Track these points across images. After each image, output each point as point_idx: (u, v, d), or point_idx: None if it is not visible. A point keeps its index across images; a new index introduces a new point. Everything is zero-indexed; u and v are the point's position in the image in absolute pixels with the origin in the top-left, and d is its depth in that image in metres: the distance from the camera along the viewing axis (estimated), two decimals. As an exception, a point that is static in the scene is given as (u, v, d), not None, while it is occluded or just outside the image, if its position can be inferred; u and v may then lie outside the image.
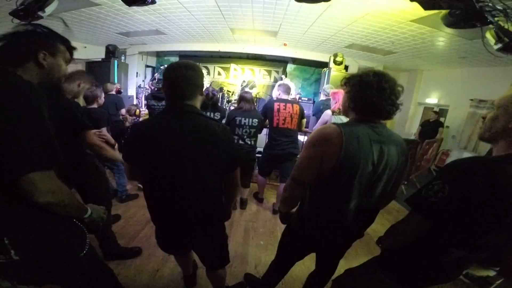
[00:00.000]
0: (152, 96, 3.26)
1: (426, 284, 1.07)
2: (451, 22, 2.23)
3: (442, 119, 6.38)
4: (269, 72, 8.79)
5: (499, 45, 2.29)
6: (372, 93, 1.05)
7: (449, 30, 3.71)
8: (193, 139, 1.13)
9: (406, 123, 7.98)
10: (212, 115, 2.90)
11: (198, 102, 1.22)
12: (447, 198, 0.83)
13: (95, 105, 2.59)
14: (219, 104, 4.18)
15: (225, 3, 3.91)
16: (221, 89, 6.59)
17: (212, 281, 1.67)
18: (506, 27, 2.19)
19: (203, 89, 1.25)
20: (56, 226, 1.00)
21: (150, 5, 2.89)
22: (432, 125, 5.89)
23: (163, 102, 3.06)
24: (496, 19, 2.13)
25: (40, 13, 2.70)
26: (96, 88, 2.59)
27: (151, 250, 2.25)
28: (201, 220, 1.28)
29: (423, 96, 7.49)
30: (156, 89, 3.42)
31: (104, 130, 2.75)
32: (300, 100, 6.68)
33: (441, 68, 6.69)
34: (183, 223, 1.29)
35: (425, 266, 0.99)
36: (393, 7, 3.29)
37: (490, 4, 2.08)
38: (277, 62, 8.50)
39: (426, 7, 2.15)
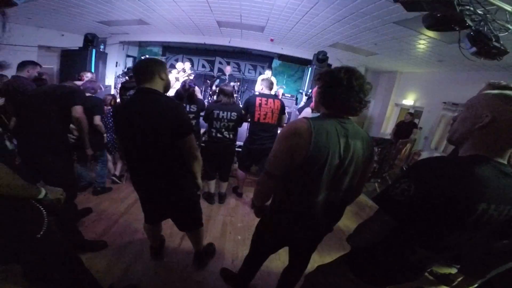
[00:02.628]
0: (121, 87, 3.22)
1: (393, 283, 1.09)
2: (431, 24, 2.29)
3: (416, 121, 6.65)
4: (255, 67, 8.77)
5: (474, 49, 2.37)
6: (341, 90, 1.07)
7: (431, 34, 3.85)
8: (147, 113, 1.39)
9: (383, 123, 8.26)
10: (188, 107, 2.87)
11: (157, 85, 1.49)
12: (413, 197, 0.83)
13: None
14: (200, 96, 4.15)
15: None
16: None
17: (191, 241, 2.00)
18: (484, 31, 2.27)
19: (164, 76, 1.51)
20: (13, 208, 1.03)
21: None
22: (406, 125, 6.13)
23: (131, 92, 3.02)
24: (474, 23, 2.20)
25: (15, 0, 2.54)
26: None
27: (124, 244, 2.19)
28: (167, 186, 1.58)
29: (400, 97, 7.77)
30: (125, 79, 3.39)
31: (97, 119, 2.75)
32: (283, 97, 6.71)
33: (419, 70, 6.94)
34: (153, 188, 1.59)
35: (392, 265, 1.01)
36: (378, 8, 3.35)
37: (471, 8, 2.16)
38: (263, 58, 8.50)
39: (409, 8, 2.20)
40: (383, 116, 8.34)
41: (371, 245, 1.01)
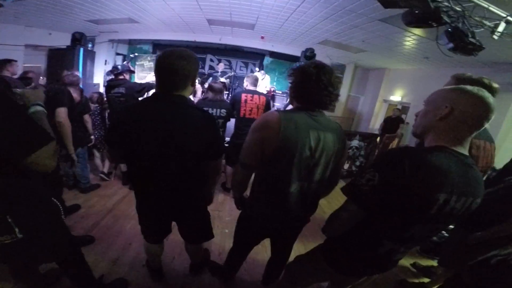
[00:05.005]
0: (107, 85, 3.21)
1: (364, 274, 1.13)
2: (410, 21, 2.36)
3: (404, 116, 6.79)
4: (246, 65, 8.79)
5: (451, 45, 2.45)
6: (310, 84, 1.11)
7: (416, 31, 3.94)
8: (179, 129, 1.14)
9: (371, 119, 8.38)
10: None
11: (187, 93, 1.23)
12: (376, 186, 0.85)
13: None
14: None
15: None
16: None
17: (191, 254, 1.82)
18: (461, 27, 2.34)
19: (195, 79, 1.25)
20: (41, 203, 1.09)
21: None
22: (394, 121, 6.26)
23: (116, 90, 3.02)
24: (451, 19, 2.27)
25: (1, 1, 2.53)
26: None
27: (112, 239, 2.22)
28: (184, 203, 1.38)
29: (389, 93, 7.90)
30: (109, 78, 3.39)
31: (86, 117, 2.78)
32: (274, 93, 6.76)
33: (407, 67, 7.06)
34: (167, 206, 1.36)
35: (362, 256, 1.04)
36: (363, 6, 3.42)
37: (447, 5, 2.23)
38: (255, 55, 8.52)
39: (386, 5, 2.26)
40: (371, 112, 8.47)
41: (342, 235, 1.04)
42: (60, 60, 5.80)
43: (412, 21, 2.34)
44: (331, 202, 3.13)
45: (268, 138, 1.12)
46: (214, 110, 2.82)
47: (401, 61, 6.36)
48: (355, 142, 4.64)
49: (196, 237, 1.65)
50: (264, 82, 6.63)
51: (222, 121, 2.89)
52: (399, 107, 6.92)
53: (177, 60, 1.11)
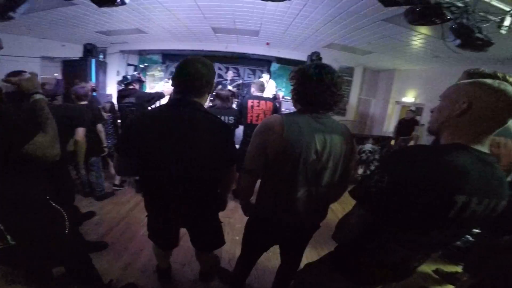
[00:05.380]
0: (118, 95, 3.31)
1: (378, 283, 1.04)
2: (413, 19, 2.34)
3: (418, 118, 6.62)
4: (254, 72, 8.85)
5: (458, 42, 2.40)
6: (311, 85, 1.09)
7: (423, 30, 3.88)
8: (196, 135, 1.15)
9: (385, 121, 8.22)
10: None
11: (204, 100, 1.25)
12: (386, 188, 0.79)
13: (85, 102, 2.66)
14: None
15: (204, 2, 3.92)
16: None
17: (202, 261, 1.81)
18: (466, 23, 2.28)
19: (212, 88, 1.28)
20: (39, 210, 1.09)
21: (129, 5, 2.92)
22: (408, 123, 6.11)
23: (126, 99, 3.10)
24: (454, 15, 2.23)
25: (11, 13, 2.66)
26: (86, 85, 2.77)
27: (124, 245, 2.27)
28: (197, 211, 1.36)
29: (400, 95, 7.73)
30: (120, 88, 3.51)
31: (100, 127, 2.84)
32: (283, 99, 6.77)
33: (417, 67, 6.93)
34: (179, 213, 1.35)
35: (373, 264, 0.96)
36: (364, 7, 3.40)
37: (448, 0, 2.19)
38: (262, 62, 8.56)
39: (386, 4, 2.24)
40: (384, 115, 8.31)
41: (353, 241, 0.98)
42: (74, 71, 6.01)
43: (415, 18, 2.31)
44: (346, 207, 3.04)
45: (271, 142, 1.10)
46: (222, 117, 2.84)
47: (410, 61, 6.25)
48: (368, 146, 4.53)
49: (207, 245, 1.63)
50: (269, 87, 6.65)
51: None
52: (413, 108, 6.76)
53: (201, 67, 1.15)
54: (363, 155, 4.50)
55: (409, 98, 7.30)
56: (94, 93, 4.40)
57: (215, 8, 4.15)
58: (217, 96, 2.95)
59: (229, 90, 4.24)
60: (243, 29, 5.29)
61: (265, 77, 6.05)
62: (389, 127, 8.07)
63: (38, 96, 1.07)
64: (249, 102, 2.90)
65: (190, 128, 1.15)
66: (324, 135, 1.11)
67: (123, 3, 2.46)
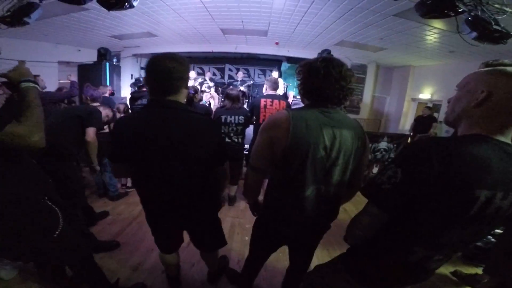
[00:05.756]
0: (131, 97, 3.36)
1: (392, 286, 0.98)
2: (424, 11, 2.25)
3: (436, 115, 6.38)
4: (264, 72, 8.84)
5: (474, 34, 2.29)
6: (319, 79, 1.04)
7: (437, 24, 3.74)
8: (178, 135, 1.11)
9: (400, 119, 7.99)
10: None
11: (182, 96, 1.19)
12: (400, 184, 0.75)
13: (97, 104, 2.72)
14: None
15: (211, 4, 3.95)
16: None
17: (208, 262, 1.80)
18: (481, 15, 2.19)
19: (188, 83, 1.22)
20: (30, 208, 1.09)
21: (139, 8, 2.99)
22: (425, 120, 5.90)
23: (139, 101, 3.14)
24: (468, 7, 2.13)
25: (26, 19, 2.78)
26: (96, 88, 2.83)
27: (135, 245, 2.30)
28: (193, 212, 1.32)
29: (416, 92, 7.51)
30: (134, 90, 3.58)
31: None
32: (294, 99, 6.71)
33: (432, 63, 6.70)
34: (175, 216, 1.32)
35: (388, 266, 0.91)
36: (374, 2, 3.32)
37: None
38: (272, 62, 8.55)
39: None
40: (400, 112, 8.08)
41: (365, 243, 0.93)
42: (89, 75, 6.22)
43: (427, 11, 2.22)
44: (359, 207, 2.96)
45: (277, 138, 1.06)
46: (232, 117, 2.83)
47: (425, 57, 6.05)
48: (383, 144, 4.40)
49: (209, 245, 1.61)
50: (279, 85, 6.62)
51: (240, 128, 2.90)
52: (430, 105, 6.53)
53: (170, 62, 1.09)
54: (377, 153, 4.38)
55: (426, 94, 7.08)
56: (111, 96, 4.52)
57: (223, 9, 4.17)
58: (227, 96, 2.93)
59: (240, 91, 4.25)
60: (251, 29, 5.30)
61: (274, 74, 6.01)
62: (405, 125, 7.84)
63: (23, 85, 1.04)
64: (262, 102, 2.85)
65: (176, 130, 1.11)
66: (333, 130, 1.05)
67: (131, 6, 2.51)
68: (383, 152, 4.39)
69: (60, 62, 6.49)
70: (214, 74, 8.97)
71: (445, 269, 2.25)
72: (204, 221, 1.45)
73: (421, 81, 7.36)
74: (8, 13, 2.76)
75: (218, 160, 1.27)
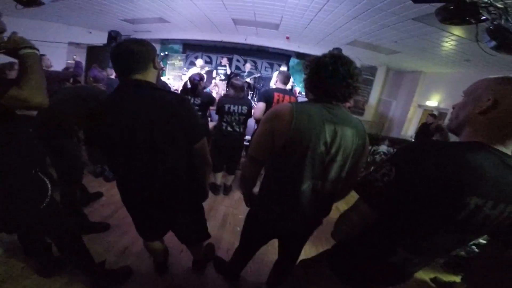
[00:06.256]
0: None
1: (373, 285, 1.00)
2: (445, 17, 2.18)
3: (441, 123, 6.27)
4: (272, 65, 8.76)
5: (493, 43, 2.23)
6: (326, 74, 1.03)
7: (456, 31, 3.64)
8: (146, 113, 1.07)
9: (404, 125, 7.89)
10: (193, 100, 2.95)
11: (151, 75, 1.16)
12: (392, 183, 0.75)
13: (101, 85, 2.65)
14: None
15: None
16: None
17: (193, 251, 1.77)
18: (505, 25, 2.12)
19: (157, 64, 1.19)
20: (19, 178, 1.11)
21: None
22: (429, 127, 5.80)
23: None
24: (491, 16, 2.06)
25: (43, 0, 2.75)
26: (104, 70, 2.84)
27: (125, 228, 2.30)
28: (170, 198, 1.26)
29: (424, 98, 7.38)
30: None
31: None
32: (299, 95, 6.64)
33: (445, 71, 6.56)
34: (151, 201, 1.26)
35: (370, 265, 0.93)
36: (394, 4, 3.23)
37: (487, 0, 2.02)
38: (280, 56, 8.45)
39: (416, 0, 2.11)
40: (404, 118, 7.97)
41: (351, 240, 0.94)
42: (98, 57, 6.23)
43: (447, 17, 2.15)
44: (350, 204, 2.97)
45: (279, 130, 1.05)
46: (236, 107, 2.83)
47: (438, 63, 5.91)
48: (383, 148, 4.39)
49: (190, 238, 1.56)
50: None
51: (243, 117, 2.90)
52: (436, 112, 6.42)
53: (132, 44, 1.09)
54: (377, 156, 4.35)
55: (433, 102, 6.94)
56: (116, 78, 4.51)
57: (236, -2, 4.10)
58: (231, 85, 2.92)
59: (246, 82, 4.21)
60: (263, 22, 5.22)
61: (284, 68, 5.94)
62: (408, 130, 7.74)
63: (22, 51, 1.05)
64: (276, 95, 2.81)
65: (140, 106, 1.07)
66: (335, 126, 1.05)
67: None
68: (382, 156, 4.39)
69: (70, 43, 6.51)
70: (221, 63, 8.89)
71: (426, 275, 2.28)
72: (184, 211, 1.37)
73: (430, 88, 7.22)
74: (25, -7, 2.70)
75: (191, 138, 1.20)
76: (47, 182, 1.23)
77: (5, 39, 1.06)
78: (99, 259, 1.75)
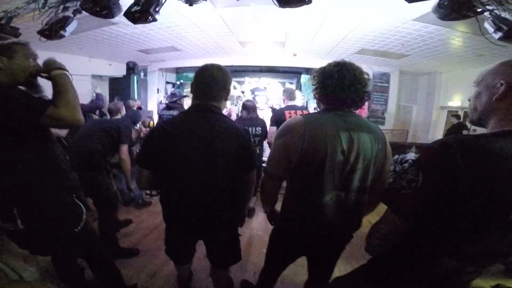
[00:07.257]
0: (165, 106, 3.49)
1: None
2: (443, 14, 2.16)
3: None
4: (283, 84, 8.83)
5: (499, 34, 2.18)
6: (332, 82, 1.04)
7: (460, 27, 3.57)
8: (216, 138, 1.13)
9: (429, 129, 7.55)
10: (254, 130, 2.95)
11: (222, 105, 1.25)
12: (422, 188, 0.70)
13: (118, 117, 2.74)
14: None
15: (229, 17, 4.07)
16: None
17: (216, 281, 1.64)
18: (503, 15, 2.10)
19: (229, 93, 1.28)
20: (57, 202, 1.17)
21: (163, 23, 3.12)
22: (456, 128, 5.56)
23: (170, 111, 3.24)
24: (490, 7, 2.03)
25: (62, 32, 2.99)
26: (118, 101, 2.92)
27: (154, 252, 2.35)
28: (215, 222, 1.28)
29: (446, 99, 7.11)
30: (169, 102, 3.71)
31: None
32: (315, 111, 6.63)
33: (461, 69, 6.34)
34: (196, 224, 1.27)
35: (413, 278, 0.84)
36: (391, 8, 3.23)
37: None
38: (291, 74, 8.53)
39: (410, 0, 2.11)
40: (429, 122, 7.63)
41: (388, 253, 0.88)
42: (118, 88, 6.54)
43: (445, 14, 2.13)
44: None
45: (293, 143, 1.05)
46: (250, 128, 2.85)
47: (452, 62, 5.75)
48: (411, 155, 4.20)
49: (223, 260, 1.50)
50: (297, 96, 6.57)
51: (258, 139, 2.90)
52: (460, 113, 6.15)
53: (216, 71, 1.18)
54: (406, 165, 4.16)
55: (456, 102, 6.68)
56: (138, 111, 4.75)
57: (240, 21, 4.25)
58: (244, 107, 2.97)
59: (271, 107, 4.26)
60: (268, 41, 5.37)
61: (289, 85, 5.99)
62: (436, 135, 7.38)
63: (53, 72, 1.12)
64: (287, 114, 2.82)
65: (211, 131, 1.13)
66: (350, 133, 1.03)
67: (154, 19, 2.64)
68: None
69: (93, 76, 6.94)
70: (234, 87, 9.11)
71: (486, 283, 2.04)
72: (224, 234, 1.38)
73: (450, 88, 6.96)
74: (46, 26, 2.96)
75: (245, 167, 1.25)
76: (82, 207, 1.29)
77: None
78: (129, 283, 1.79)
